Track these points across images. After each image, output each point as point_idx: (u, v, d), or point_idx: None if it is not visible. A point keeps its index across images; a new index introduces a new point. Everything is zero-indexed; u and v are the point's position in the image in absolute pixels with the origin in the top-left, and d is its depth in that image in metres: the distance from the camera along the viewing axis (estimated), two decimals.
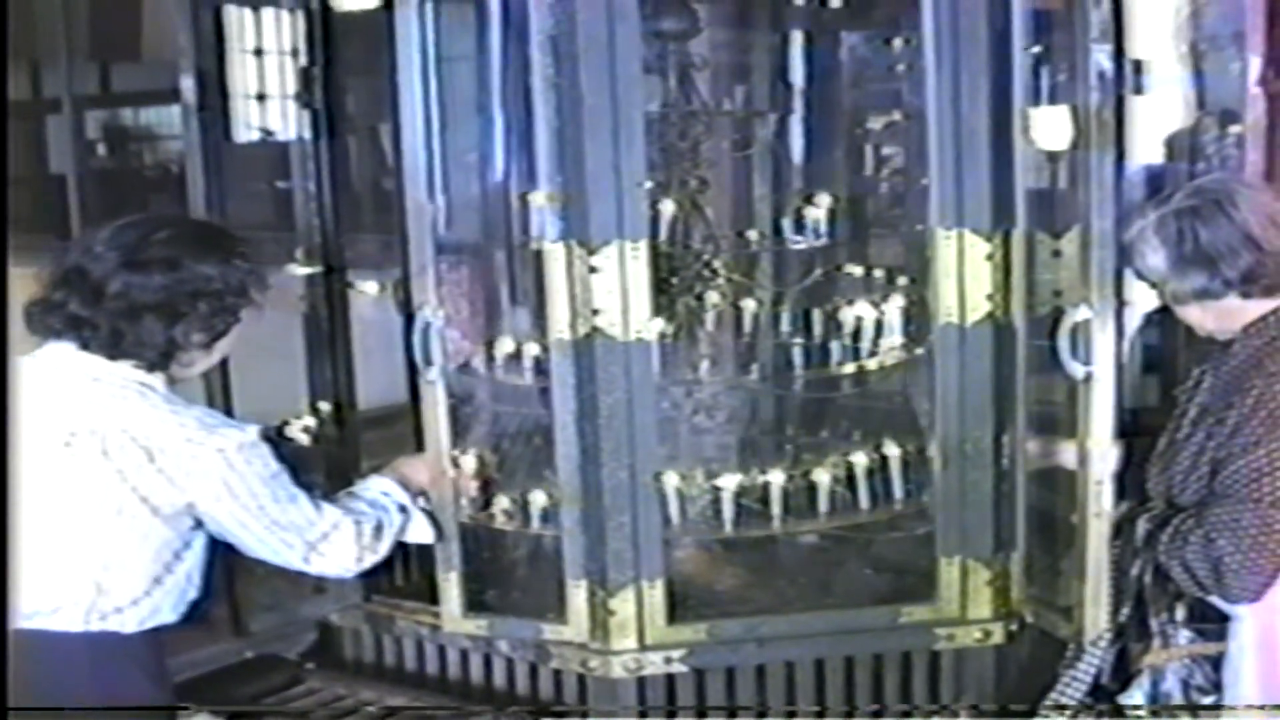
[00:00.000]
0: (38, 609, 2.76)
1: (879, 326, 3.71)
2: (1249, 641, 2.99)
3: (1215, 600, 3.03)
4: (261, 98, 3.70)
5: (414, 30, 3.21)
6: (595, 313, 3.27)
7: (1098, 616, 3.20)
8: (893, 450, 3.63)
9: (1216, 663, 3.09)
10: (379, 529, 3.11)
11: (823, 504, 3.57)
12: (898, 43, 4.26)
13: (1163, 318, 3.29)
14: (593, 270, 3.25)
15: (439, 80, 3.31)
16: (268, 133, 3.78)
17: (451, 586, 3.51)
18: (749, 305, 3.88)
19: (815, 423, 4.02)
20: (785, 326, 3.97)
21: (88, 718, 2.82)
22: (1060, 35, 3.19)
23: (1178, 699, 3.13)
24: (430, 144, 3.28)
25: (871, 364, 3.73)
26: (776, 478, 3.55)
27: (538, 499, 3.55)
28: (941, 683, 3.61)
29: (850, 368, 3.75)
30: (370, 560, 3.09)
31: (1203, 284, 3.00)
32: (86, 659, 2.80)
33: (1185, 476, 3.04)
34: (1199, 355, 3.25)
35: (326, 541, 2.97)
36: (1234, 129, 4.19)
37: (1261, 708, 2.96)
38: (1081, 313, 3.09)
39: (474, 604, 3.55)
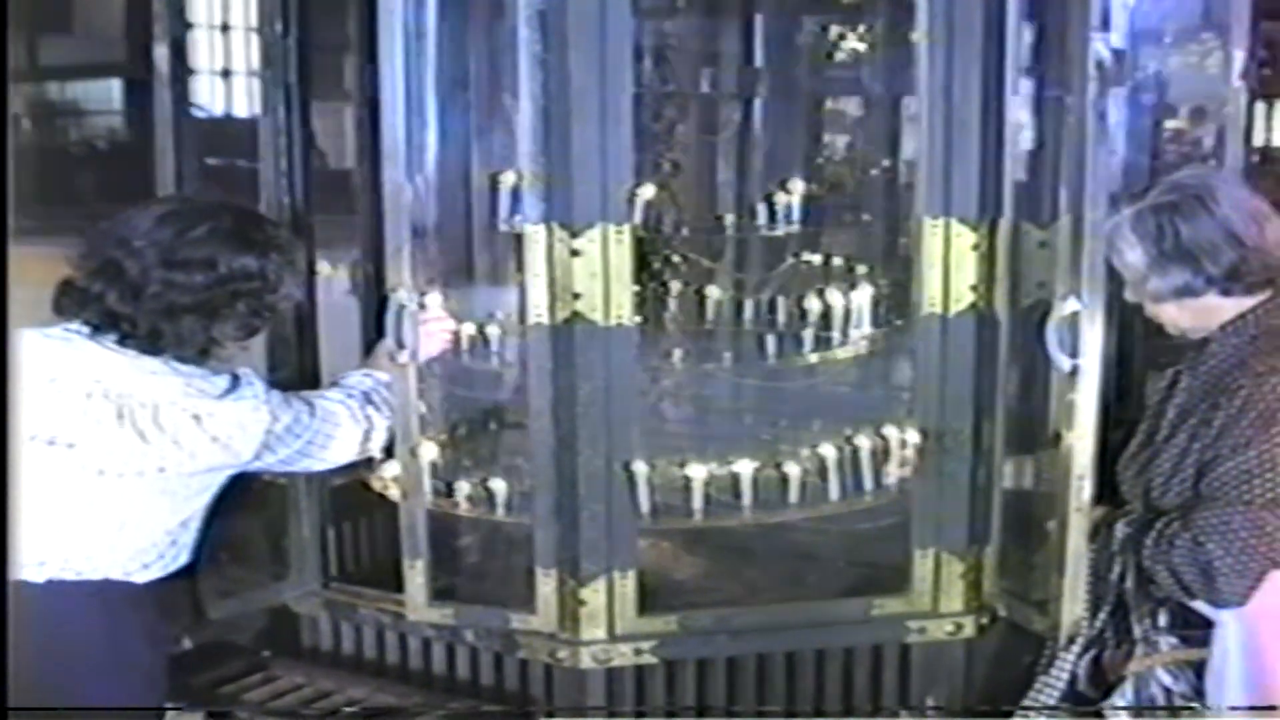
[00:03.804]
0: (48, 560, 2.85)
1: (848, 315, 3.65)
2: (1233, 646, 2.98)
3: (1199, 605, 3.01)
4: (226, 73, 3.59)
5: (398, 5, 3.12)
6: (576, 297, 3.19)
7: (1075, 611, 3.18)
8: (864, 441, 3.58)
9: (1200, 669, 3.08)
10: (366, 397, 3.24)
11: (793, 495, 3.50)
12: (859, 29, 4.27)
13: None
14: (574, 254, 3.16)
15: (419, 57, 3.23)
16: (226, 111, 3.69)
17: (417, 574, 3.39)
18: (719, 292, 3.80)
19: (782, 412, 3.96)
20: (753, 313, 3.89)
21: (87, 717, 2.85)
22: (1053, 23, 3.15)
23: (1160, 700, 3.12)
24: (410, 122, 3.19)
25: (841, 353, 3.67)
26: (745, 467, 3.49)
27: (505, 486, 3.47)
28: (912, 677, 3.57)
29: (814, 357, 3.67)
30: (378, 426, 3.23)
31: (1185, 281, 2.98)
32: (97, 608, 2.89)
33: (1167, 479, 3.02)
34: (1158, 350, 3.25)
35: (336, 428, 3.14)
36: (1207, 123, 4.20)
37: (1251, 709, 2.94)
38: (1070, 305, 3.06)
39: (440, 592, 3.46)
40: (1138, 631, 3.11)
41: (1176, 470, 3.01)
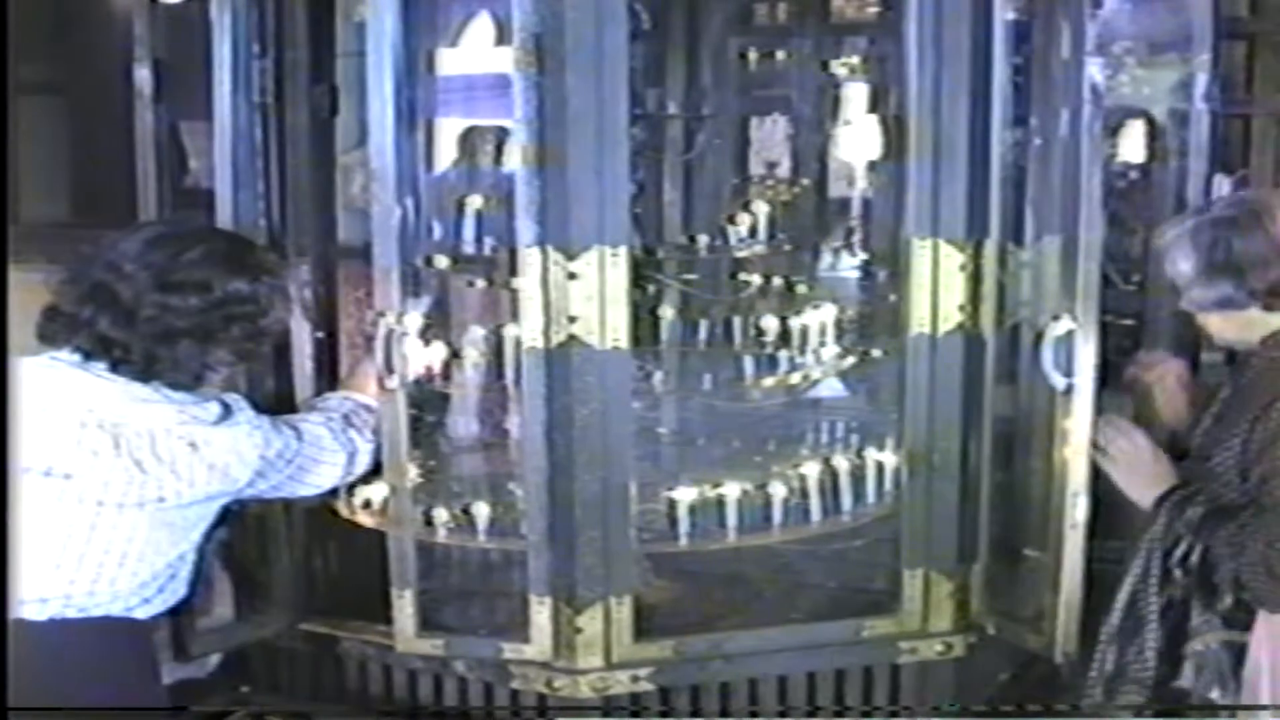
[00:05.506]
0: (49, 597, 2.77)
1: (805, 336, 3.62)
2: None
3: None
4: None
5: (387, 28, 3.09)
6: (572, 320, 3.16)
7: (1070, 627, 3.21)
8: (843, 463, 3.58)
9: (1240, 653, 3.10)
10: (347, 420, 3.25)
11: (777, 516, 3.49)
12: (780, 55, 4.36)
13: None
14: (571, 276, 3.13)
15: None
16: None
17: (406, 605, 3.34)
18: (673, 313, 3.75)
19: (762, 434, 3.94)
20: (716, 334, 3.84)
21: (87, 718, 2.78)
22: (1041, 46, 3.19)
23: (1214, 683, 3.12)
24: (398, 145, 3.15)
25: (796, 377, 3.65)
26: (732, 490, 3.46)
27: (487, 512, 3.42)
28: (901, 698, 3.57)
29: (796, 378, 3.67)
30: (362, 449, 3.26)
31: (1228, 293, 3.04)
32: (100, 645, 2.83)
33: (1214, 477, 3.06)
34: None
35: (323, 452, 3.16)
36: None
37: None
38: (1064, 324, 3.09)
39: (429, 623, 3.40)
40: (1196, 611, 3.12)
41: (1219, 473, 3.05)
